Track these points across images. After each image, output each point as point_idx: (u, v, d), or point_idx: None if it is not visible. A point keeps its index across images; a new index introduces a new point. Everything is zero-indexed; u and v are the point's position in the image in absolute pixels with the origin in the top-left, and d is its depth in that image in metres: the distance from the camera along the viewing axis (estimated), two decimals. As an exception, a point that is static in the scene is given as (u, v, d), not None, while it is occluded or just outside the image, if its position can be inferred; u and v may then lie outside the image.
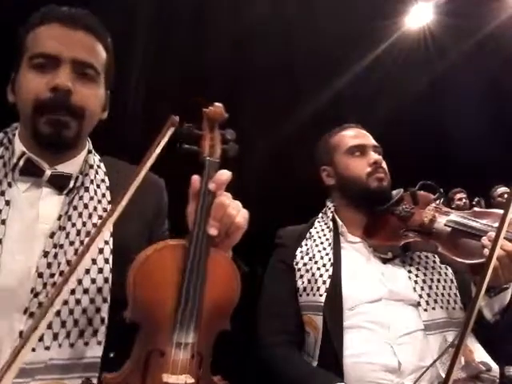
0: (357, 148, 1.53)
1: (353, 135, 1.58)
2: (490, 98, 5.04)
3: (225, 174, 0.96)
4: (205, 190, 0.95)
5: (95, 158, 1.10)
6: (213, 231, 0.92)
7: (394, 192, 1.54)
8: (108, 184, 1.07)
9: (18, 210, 0.96)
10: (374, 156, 1.51)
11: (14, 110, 1.03)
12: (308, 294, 1.38)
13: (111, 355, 1.07)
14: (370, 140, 1.57)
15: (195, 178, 0.96)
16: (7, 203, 0.95)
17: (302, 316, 1.39)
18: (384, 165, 1.52)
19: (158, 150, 0.87)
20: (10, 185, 0.97)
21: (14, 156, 1.00)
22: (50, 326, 0.89)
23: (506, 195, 4.30)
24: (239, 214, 0.94)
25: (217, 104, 1.05)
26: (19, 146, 1.02)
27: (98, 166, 1.09)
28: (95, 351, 0.94)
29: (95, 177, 1.06)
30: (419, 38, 4.97)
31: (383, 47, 4.76)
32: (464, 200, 4.70)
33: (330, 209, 1.57)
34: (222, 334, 1.01)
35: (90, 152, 1.09)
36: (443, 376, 1.19)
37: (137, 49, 3.28)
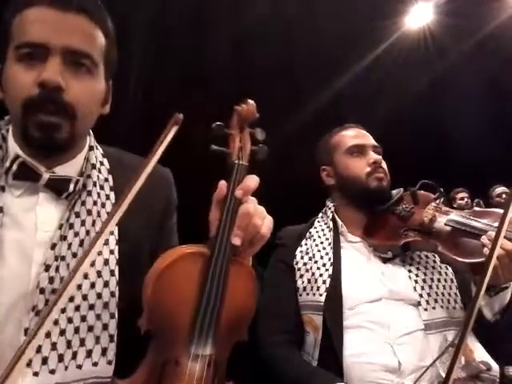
0: (356, 148, 1.53)
1: (353, 135, 1.58)
2: (490, 98, 5.03)
3: (253, 180, 0.90)
4: (231, 195, 0.90)
5: (97, 154, 0.99)
6: (237, 241, 0.87)
7: (394, 192, 1.54)
8: (112, 183, 0.97)
9: (12, 217, 0.86)
10: (374, 156, 1.51)
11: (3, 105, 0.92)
12: (308, 294, 1.38)
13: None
14: (369, 140, 1.57)
15: (222, 184, 0.90)
16: (0, 210, 0.85)
17: (301, 316, 1.39)
18: (384, 165, 1.53)
19: (161, 151, 0.80)
20: (3, 189, 0.87)
21: (8, 157, 0.89)
22: (54, 347, 0.81)
23: (504, 195, 4.31)
24: (264, 223, 0.89)
25: (250, 101, 0.99)
26: (13, 146, 0.91)
27: (101, 163, 0.99)
28: (105, 371, 0.87)
29: (98, 177, 0.96)
30: (419, 38, 4.97)
31: (383, 47, 4.76)
32: (466, 199, 4.70)
33: (330, 208, 1.57)
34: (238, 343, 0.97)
35: (91, 149, 0.98)
36: (443, 376, 1.19)
37: (136, 49, 3.28)
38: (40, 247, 0.86)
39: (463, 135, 4.85)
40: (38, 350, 0.80)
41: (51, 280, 0.84)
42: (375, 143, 1.57)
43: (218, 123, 0.96)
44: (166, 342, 0.88)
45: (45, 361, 0.80)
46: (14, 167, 0.87)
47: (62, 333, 0.82)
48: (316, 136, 1.71)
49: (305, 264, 1.44)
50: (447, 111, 5.11)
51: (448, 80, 4.98)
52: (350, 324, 1.32)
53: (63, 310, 0.83)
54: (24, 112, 0.84)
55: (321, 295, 1.35)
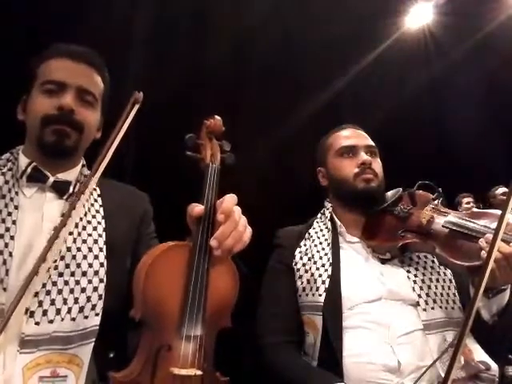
0: (347, 149, 1.53)
1: (345, 136, 1.57)
2: (490, 98, 5.03)
3: (232, 201, 1.05)
4: (209, 196, 1.06)
5: (87, 172, 1.26)
6: (214, 243, 1.01)
7: (392, 192, 1.54)
8: (99, 192, 1.23)
9: (25, 212, 1.12)
10: (363, 157, 1.50)
11: (22, 127, 1.21)
12: (307, 295, 1.39)
13: (111, 355, 1.12)
14: (362, 140, 1.56)
15: (192, 208, 1.06)
16: (16, 207, 1.11)
17: (301, 316, 1.39)
18: (374, 165, 1.51)
19: (124, 129, 0.97)
20: (17, 193, 1.14)
21: (19, 169, 1.17)
22: (53, 303, 1.02)
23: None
24: (246, 231, 1.05)
25: (217, 117, 1.16)
26: (24, 160, 1.19)
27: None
28: (94, 321, 1.07)
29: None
30: (419, 38, 4.97)
31: (383, 47, 4.76)
32: (472, 204, 4.69)
33: (328, 209, 1.57)
34: (223, 330, 1.09)
35: (83, 166, 1.28)
36: (443, 376, 1.19)
37: (136, 50, 3.29)
38: (45, 234, 1.10)
39: (463, 135, 4.85)
40: (40, 304, 1.01)
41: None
42: (369, 143, 1.56)
43: (190, 135, 1.14)
44: (159, 328, 0.99)
45: (45, 313, 1.01)
46: (29, 170, 1.16)
47: (60, 292, 1.04)
48: (316, 136, 1.71)
49: (304, 265, 1.44)
50: (447, 111, 5.11)
51: (448, 80, 4.97)
52: (349, 324, 1.32)
53: (61, 274, 1.05)
54: (42, 124, 1.15)
55: (320, 296, 1.35)
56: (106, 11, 3.11)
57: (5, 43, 2.56)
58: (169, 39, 3.54)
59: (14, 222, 1.08)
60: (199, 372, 0.96)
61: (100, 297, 1.08)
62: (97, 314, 1.07)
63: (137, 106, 1.01)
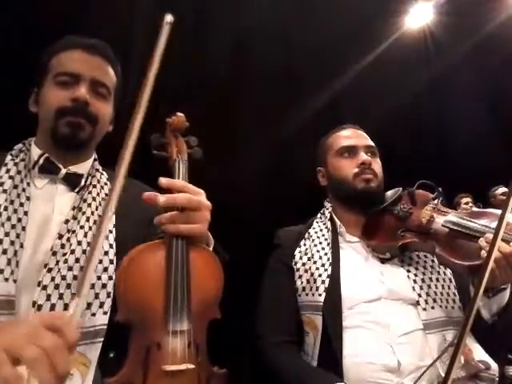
0: (347, 149, 1.54)
1: (345, 136, 1.58)
2: (490, 98, 5.03)
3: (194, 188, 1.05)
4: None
5: (99, 167, 1.27)
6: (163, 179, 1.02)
7: (392, 191, 1.55)
8: (111, 186, 1.19)
9: (37, 203, 1.12)
10: (363, 157, 1.51)
11: (35, 119, 1.22)
12: (307, 294, 1.39)
13: (111, 355, 1.11)
14: (362, 141, 1.56)
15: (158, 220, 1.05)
16: (28, 198, 1.11)
17: (301, 316, 1.39)
18: (374, 165, 1.52)
19: (160, 52, 0.81)
20: (28, 184, 1.13)
21: (32, 159, 1.17)
22: (61, 297, 1.02)
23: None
24: (203, 201, 1.04)
25: (179, 114, 1.17)
26: (36, 151, 1.19)
27: (102, 174, 1.26)
28: (102, 320, 1.05)
29: (101, 178, 1.23)
30: (419, 38, 4.97)
31: (383, 47, 4.75)
32: (470, 204, 4.70)
33: (327, 209, 1.57)
34: (213, 322, 1.07)
35: (95, 160, 1.28)
36: (443, 375, 1.19)
37: (136, 48, 3.29)
38: (55, 226, 1.10)
39: (463, 135, 4.85)
40: (48, 298, 1.00)
41: (62, 246, 1.06)
42: (369, 143, 1.57)
43: (156, 134, 1.16)
44: (145, 328, 0.98)
45: (53, 307, 1.00)
46: (41, 161, 1.16)
47: (69, 286, 1.03)
48: (316, 136, 1.71)
49: (304, 264, 1.45)
50: (447, 111, 5.11)
51: (448, 80, 4.97)
52: (349, 324, 1.32)
53: (70, 268, 1.04)
54: (56, 116, 1.15)
55: (320, 295, 1.35)
56: (106, 11, 3.11)
57: (4, 43, 2.56)
58: (169, 39, 3.54)
59: (25, 213, 1.08)
60: (191, 366, 0.95)
61: (108, 295, 1.06)
62: (105, 313, 1.05)
63: (168, 27, 0.89)
